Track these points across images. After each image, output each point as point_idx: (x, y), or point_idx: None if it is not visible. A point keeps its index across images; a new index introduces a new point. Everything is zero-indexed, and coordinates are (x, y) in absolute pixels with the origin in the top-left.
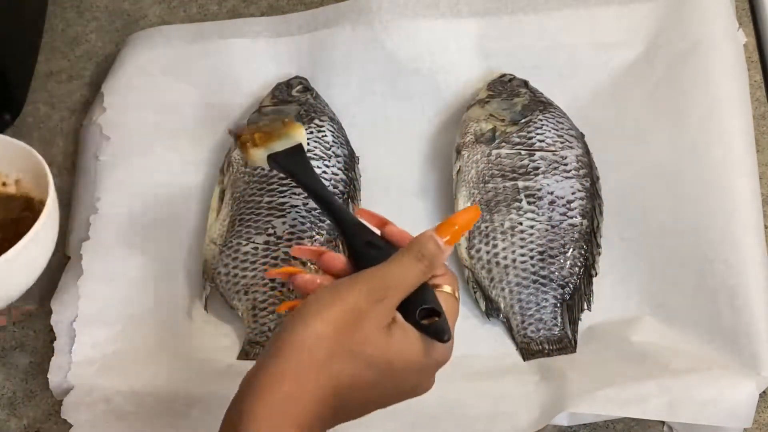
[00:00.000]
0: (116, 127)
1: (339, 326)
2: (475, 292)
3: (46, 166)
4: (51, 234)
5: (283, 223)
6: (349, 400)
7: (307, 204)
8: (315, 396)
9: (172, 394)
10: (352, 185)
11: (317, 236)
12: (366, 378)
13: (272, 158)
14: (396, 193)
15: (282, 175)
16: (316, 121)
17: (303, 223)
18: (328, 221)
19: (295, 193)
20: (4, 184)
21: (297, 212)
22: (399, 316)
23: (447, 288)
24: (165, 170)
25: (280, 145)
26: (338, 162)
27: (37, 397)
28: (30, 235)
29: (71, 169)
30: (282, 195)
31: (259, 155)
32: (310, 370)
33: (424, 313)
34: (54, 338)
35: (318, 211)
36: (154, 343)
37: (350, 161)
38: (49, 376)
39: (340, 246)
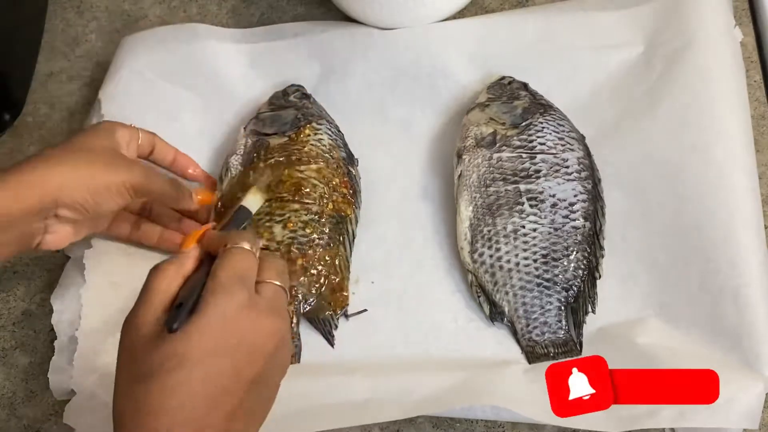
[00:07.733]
0: None
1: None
2: (478, 296)
3: None
4: None
5: (283, 227)
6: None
7: (309, 209)
8: None
9: None
10: (351, 188)
11: (318, 241)
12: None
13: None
14: (397, 197)
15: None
16: (314, 124)
17: (303, 228)
18: (330, 227)
19: (294, 200)
20: None
21: (296, 217)
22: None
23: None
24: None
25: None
26: (335, 164)
27: (37, 397)
28: None
29: None
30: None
31: None
32: None
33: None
34: (54, 338)
35: (319, 216)
36: None
37: (349, 163)
38: (49, 376)
39: (344, 249)
